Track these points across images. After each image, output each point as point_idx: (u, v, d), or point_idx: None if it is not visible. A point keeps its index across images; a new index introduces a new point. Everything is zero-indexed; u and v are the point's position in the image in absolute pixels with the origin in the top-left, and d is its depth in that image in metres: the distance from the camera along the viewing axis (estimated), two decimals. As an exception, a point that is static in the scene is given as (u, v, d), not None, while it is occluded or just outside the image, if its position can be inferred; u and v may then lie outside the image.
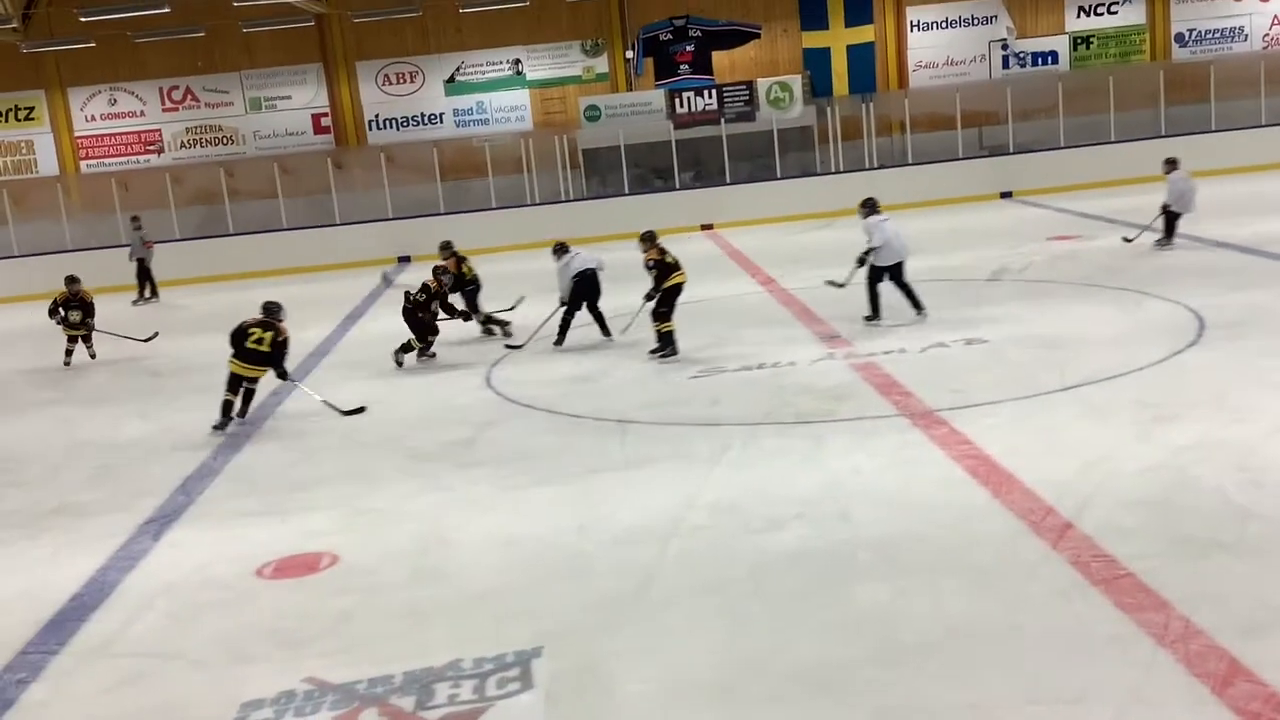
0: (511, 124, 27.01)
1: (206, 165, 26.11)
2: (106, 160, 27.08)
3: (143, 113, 27.10)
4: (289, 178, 25.13)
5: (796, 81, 24.93)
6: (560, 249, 12.52)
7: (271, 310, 10.50)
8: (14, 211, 24.37)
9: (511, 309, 13.42)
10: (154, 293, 20.97)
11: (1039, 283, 13.65)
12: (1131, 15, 27.17)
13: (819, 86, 26.21)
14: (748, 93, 24.69)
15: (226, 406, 10.23)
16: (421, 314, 12.17)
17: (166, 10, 21.97)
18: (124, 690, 5.45)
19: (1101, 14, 27.22)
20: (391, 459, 8.97)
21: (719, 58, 26.14)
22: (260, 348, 10.20)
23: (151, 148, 27.18)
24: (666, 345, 11.37)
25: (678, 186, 24.51)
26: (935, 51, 27.31)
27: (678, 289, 11.43)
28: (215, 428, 10.19)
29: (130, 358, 14.79)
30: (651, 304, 11.45)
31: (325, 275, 21.74)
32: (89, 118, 27.14)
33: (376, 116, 27.19)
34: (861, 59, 26.67)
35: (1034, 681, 4.69)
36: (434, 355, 12.41)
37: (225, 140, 27.22)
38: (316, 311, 16.35)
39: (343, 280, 20.59)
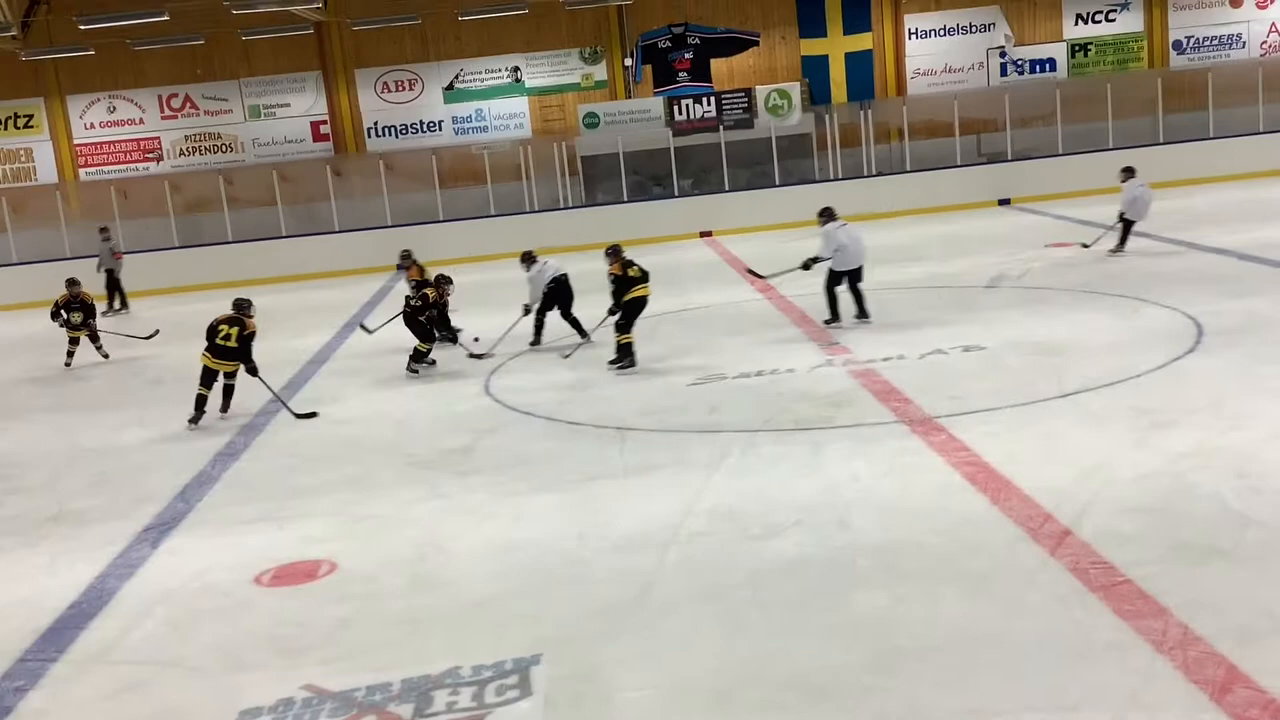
0: (510, 131, 27.03)
1: (205, 173, 26.11)
2: (105, 168, 27.08)
3: (142, 120, 27.11)
4: (288, 185, 25.16)
5: (795, 89, 24.98)
6: (529, 258, 13.04)
7: (241, 306, 10.93)
8: (13, 219, 24.39)
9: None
10: (123, 304, 20.69)
11: (1037, 289, 13.67)
12: (1129, 23, 27.22)
13: (817, 94, 26.23)
14: (746, 100, 24.74)
15: (200, 400, 10.73)
16: (422, 318, 12.18)
17: (166, 18, 22.00)
18: (122, 698, 5.45)
19: (1099, 21, 27.27)
20: (390, 466, 8.97)
21: (717, 65, 26.18)
22: (228, 343, 10.64)
23: (150, 155, 27.20)
24: (624, 357, 11.46)
25: (676, 194, 24.54)
26: (933, 59, 27.35)
27: (639, 302, 11.53)
28: (190, 421, 10.70)
29: (130, 365, 14.81)
30: (614, 317, 11.61)
31: (324, 283, 21.74)
32: (88, 125, 27.15)
33: (375, 124, 27.21)
34: (860, 66, 26.70)
35: (1032, 688, 4.69)
36: (433, 363, 12.42)
37: (224, 148, 27.24)
38: (315, 319, 16.37)
39: (342, 288, 20.58)
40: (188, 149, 27.21)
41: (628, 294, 11.43)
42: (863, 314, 12.38)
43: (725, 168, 24.27)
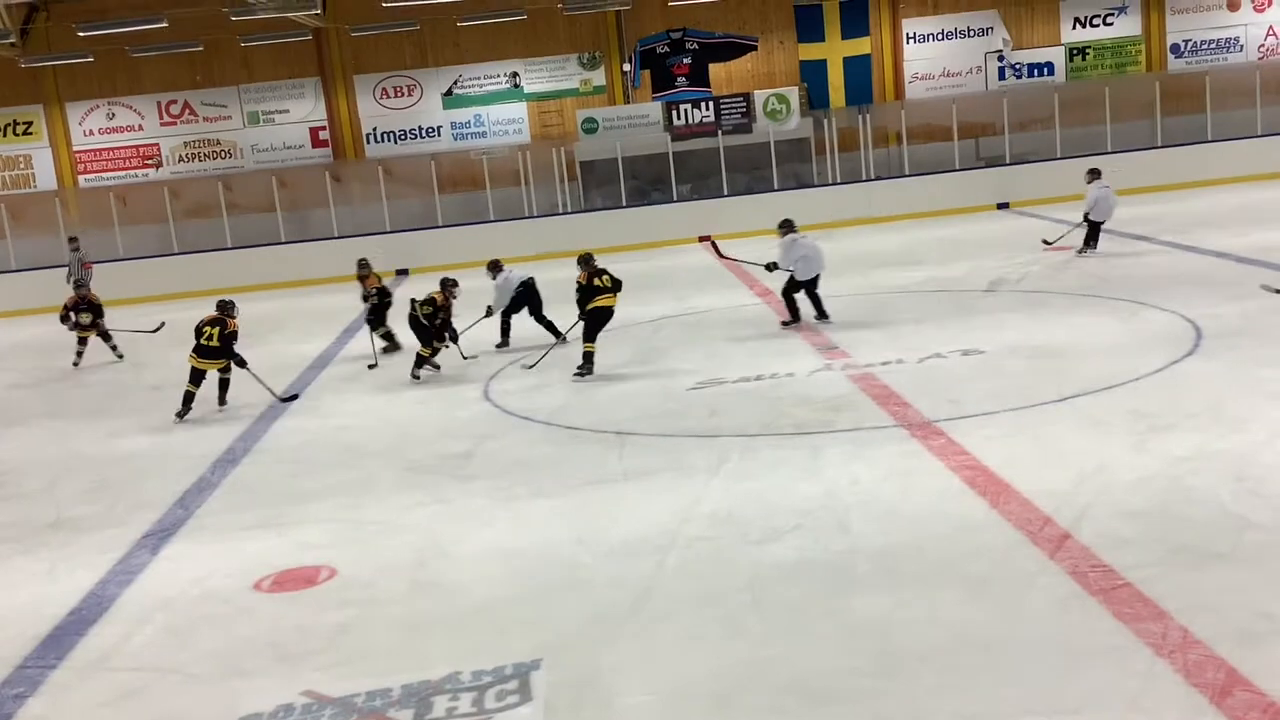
0: (509, 137, 27.04)
1: (205, 179, 26.13)
2: (105, 174, 27.08)
3: (141, 127, 27.12)
4: (287, 191, 25.18)
5: (793, 93, 24.98)
6: (495, 266, 13.61)
7: (224, 307, 11.55)
8: (12, 226, 24.41)
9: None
10: None
11: (1036, 293, 13.68)
12: (1127, 26, 27.24)
13: (816, 98, 26.26)
14: (745, 105, 24.75)
15: (187, 397, 11.37)
16: (426, 322, 12.15)
17: (164, 25, 22.03)
18: (122, 705, 5.45)
19: (1097, 25, 27.29)
20: (390, 471, 8.97)
21: (716, 70, 26.20)
22: (211, 343, 11.25)
23: (150, 162, 27.21)
24: (584, 364, 11.55)
25: (675, 198, 24.54)
26: (932, 63, 27.36)
27: (602, 312, 11.62)
28: (177, 415, 11.32)
29: (129, 372, 14.81)
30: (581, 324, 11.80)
31: (324, 288, 21.71)
32: (87, 132, 27.15)
33: (374, 130, 27.21)
34: (858, 71, 26.72)
35: (1032, 692, 4.69)
36: (438, 367, 12.39)
37: (223, 154, 27.23)
38: (315, 325, 16.38)
39: (341, 293, 20.51)
40: (187, 155, 27.21)
41: (590, 303, 11.57)
42: (822, 315, 12.93)
43: (724, 172, 24.28)
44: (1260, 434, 7.60)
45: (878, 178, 24.77)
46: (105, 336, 15.36)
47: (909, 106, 26.03)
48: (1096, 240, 16.21)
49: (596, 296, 11.55)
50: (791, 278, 12.90)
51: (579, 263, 11.99)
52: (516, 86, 27.19)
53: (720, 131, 24.47)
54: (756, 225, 23.03)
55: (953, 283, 14.93)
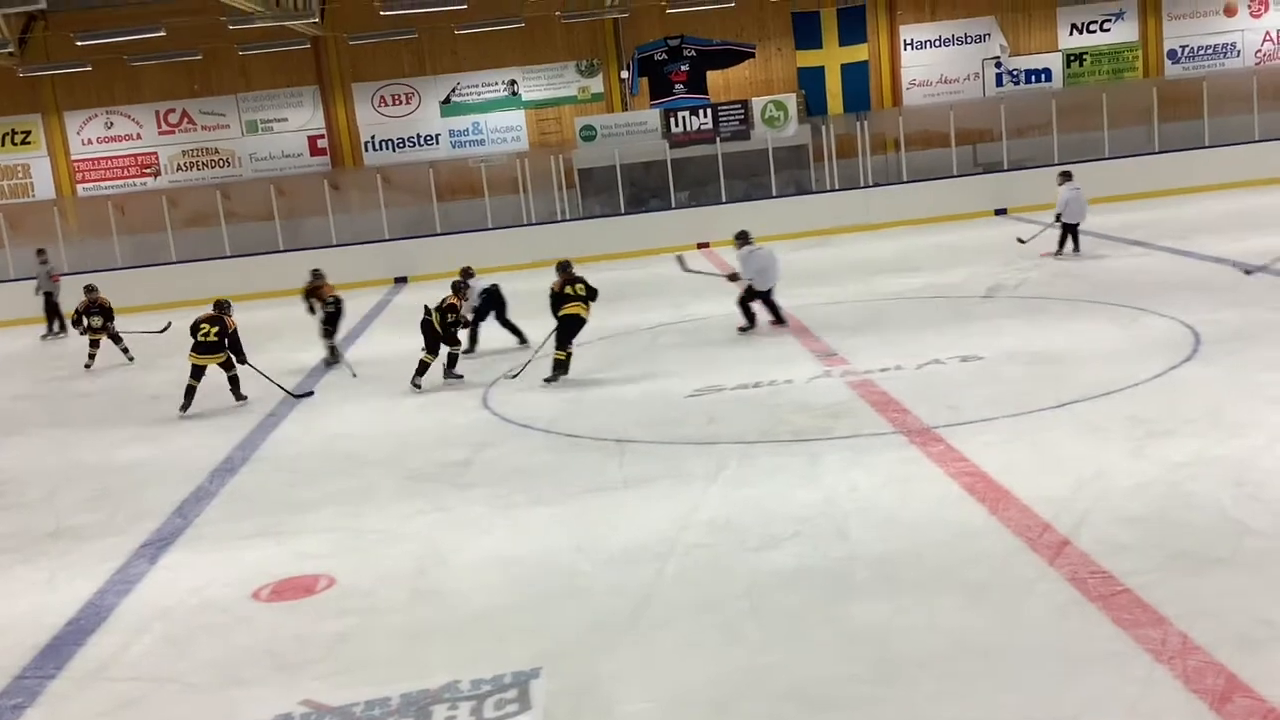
0: (507, 144, 27.09)
1: (203, 188, 26.14)
2: (103, 183, 27.12)
3: (139, 136, 27.16)
4: (285, 199, 25.18)
5: (791, 100, 25.01)
6: (465, 274, 13.79)
7: (221, 306, 12.16)
8: (10, 235, 24.41)
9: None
10: (62, 327, 19.97)
11: (1034, 299, 13.68)
12: (1124, 32, 27.31)
13: (814, 105, 26.31)
14: (743, 112, 24.78)
15: (189, 391, 11.88)
16: (439, 326, 12.12)
17: (162, 34, 22.03)
18: (120, 715, 5.44)
19: (1094, 31, 27.35)
20: (389, 480, 8.97)
21: (714, 77, 26.24)
22: (208, 339, 11.80)
23: (148, 171, 27.23)
24: (554, 370, 11.71)
25: (673, 205, 24.55)
26: (929, 70, 27.42)
27: (572, 320, 11.78)
28: (180, 409, 11.80)
29: (130, 380, 14.81)
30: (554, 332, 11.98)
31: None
32: (85, 141, 27.19)
33: (373, 138, 27.26)
34: (856, 78, 26.79)
35: (1031, 698, 4.68)
36: (461, 376, 12.33)
37: (221, 163, 27.27)
38: (314, 333, 16.33)
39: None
40: (185, 164, 27.25)
41: (560, 310, 11.73)
42: (779, 320, 13.47)
43: (722, 179, 24.29)
44: (1259, 439, 7.60)
45: (876, 184, 24.80)
46: (115, 339, 15.69)
47: (907, 113, 26.08)
48: (1077, 243, 16.50)
49: (566, 304, 11.70)
50: (750, 288, 13.38)
51: (556, 269, 12.21)
52: (514, 94, 27.24)
53: (718, 138, 24.49)
54: (755, 232, 23.09)
55: (951, 289, 14.94)
